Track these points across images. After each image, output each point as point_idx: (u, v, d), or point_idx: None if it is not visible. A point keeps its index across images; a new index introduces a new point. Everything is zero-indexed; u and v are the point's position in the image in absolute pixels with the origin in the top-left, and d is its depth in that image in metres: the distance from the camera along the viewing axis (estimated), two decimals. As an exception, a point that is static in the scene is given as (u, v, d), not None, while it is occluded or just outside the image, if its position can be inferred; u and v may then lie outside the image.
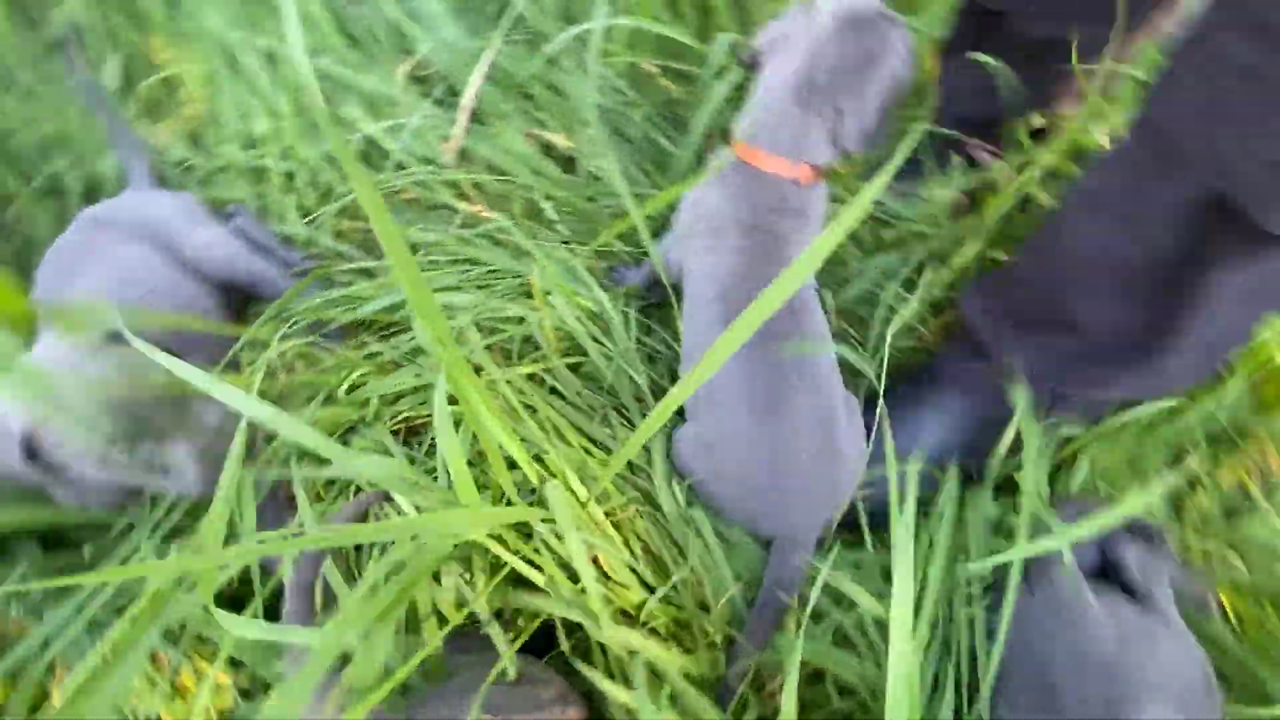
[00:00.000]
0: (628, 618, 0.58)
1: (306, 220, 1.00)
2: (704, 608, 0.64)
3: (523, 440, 0.63)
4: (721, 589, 0.64)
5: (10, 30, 1.04)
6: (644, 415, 0.84)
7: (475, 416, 0.43)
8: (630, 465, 0.75)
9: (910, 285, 0.91)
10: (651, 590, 0.60)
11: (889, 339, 0.79)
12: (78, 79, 0.98)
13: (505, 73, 1.02)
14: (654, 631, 0.59)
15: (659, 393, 0.87)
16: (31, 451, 0.63)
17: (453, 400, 0.50)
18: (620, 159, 1.03)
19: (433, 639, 0.48)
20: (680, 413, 0.78)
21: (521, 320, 0.86)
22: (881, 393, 0.70)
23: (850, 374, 0.85)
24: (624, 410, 0.83)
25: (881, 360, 0.78)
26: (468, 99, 0.93)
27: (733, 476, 0.68)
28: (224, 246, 0.91)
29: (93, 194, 0.99)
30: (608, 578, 0.56)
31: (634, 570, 0.58)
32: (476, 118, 1.01)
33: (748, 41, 0.77)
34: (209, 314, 0.88)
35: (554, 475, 0.52)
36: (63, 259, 0.84)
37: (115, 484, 0.69)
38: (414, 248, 0.96)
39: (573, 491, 0.53)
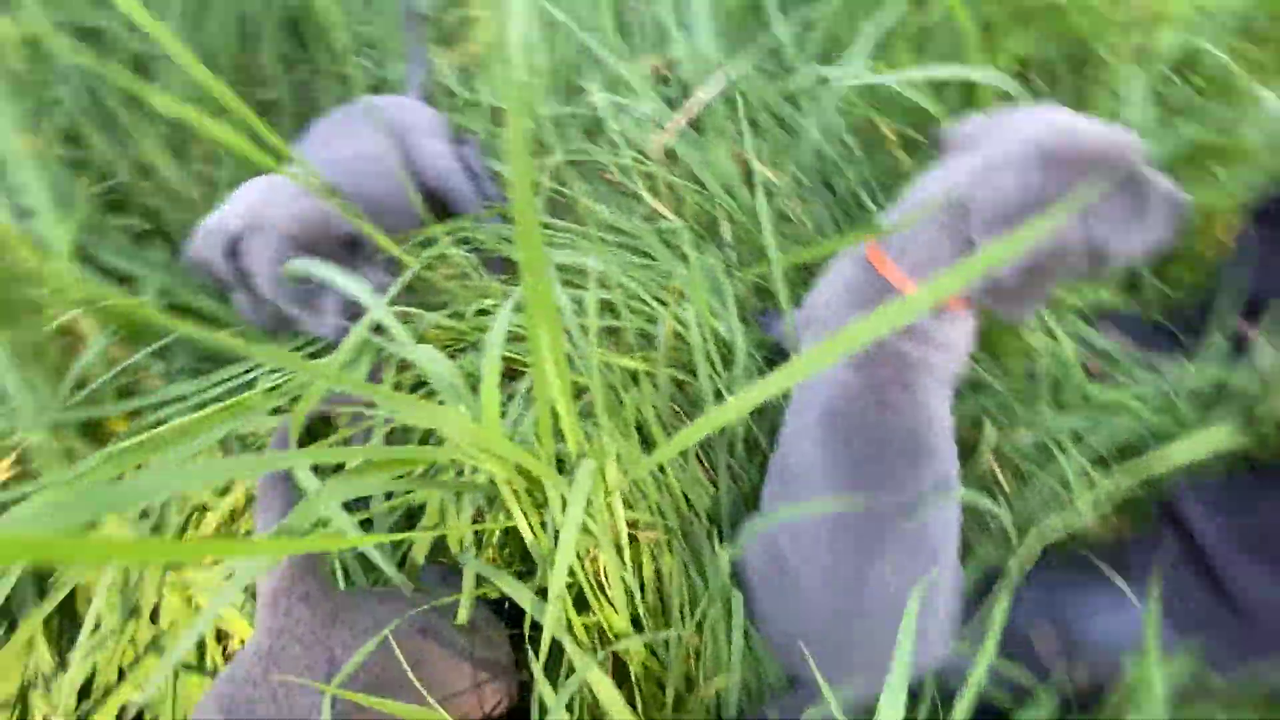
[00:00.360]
0: (605, 640, 0.52)
1: (566, 169, 1.09)
2: (690, 681, 0.56)
3: (585, 418, 0.60)
4: (717, 673, 0.56)
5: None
6: (730, 456, 0.78)
7: (539, 359, 0.42)
8: (689, 502, 0.70)
9: (1100, 463, 0.74)
10: (640, 627, 0.53)
11: (1052, 523, 0.65)
12: (404, 4, 1.17)
13: (741, 93, 1.03)
14: (624, 668, 0.53)
15: (751, 443, 0.81)
16: (232, 251, 0.75)
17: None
18: (816, 208, 0.98)
19: (420, 546, 0.47)
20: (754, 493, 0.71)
21: (651, 320, 0.85)
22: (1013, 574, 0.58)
23: (971, 518, 0.71)
24: (710, 448, 0.78)
25: (1029, 535, 0.65)
26: (692, 103, 0.95)
27: (792, 605, 0.58)
28: (444, 161, 1.03)
29: (375, 89, 1.17)
30: (602, 588, 0.51)
31: (630, 595, 0.52)
32: (696, 125, 1.03)
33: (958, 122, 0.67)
34: (409, 208, 1.00)
35: (595, 458, 0.49)
36: (333, 124, 1.01)
37: (277, 308, 0.79)
38: (591, 218, 1.00)
39: (604, 480, 0.49)
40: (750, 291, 0.94)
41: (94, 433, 0.70)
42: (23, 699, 0.56)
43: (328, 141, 0.98)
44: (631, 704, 0.54)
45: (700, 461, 0.78)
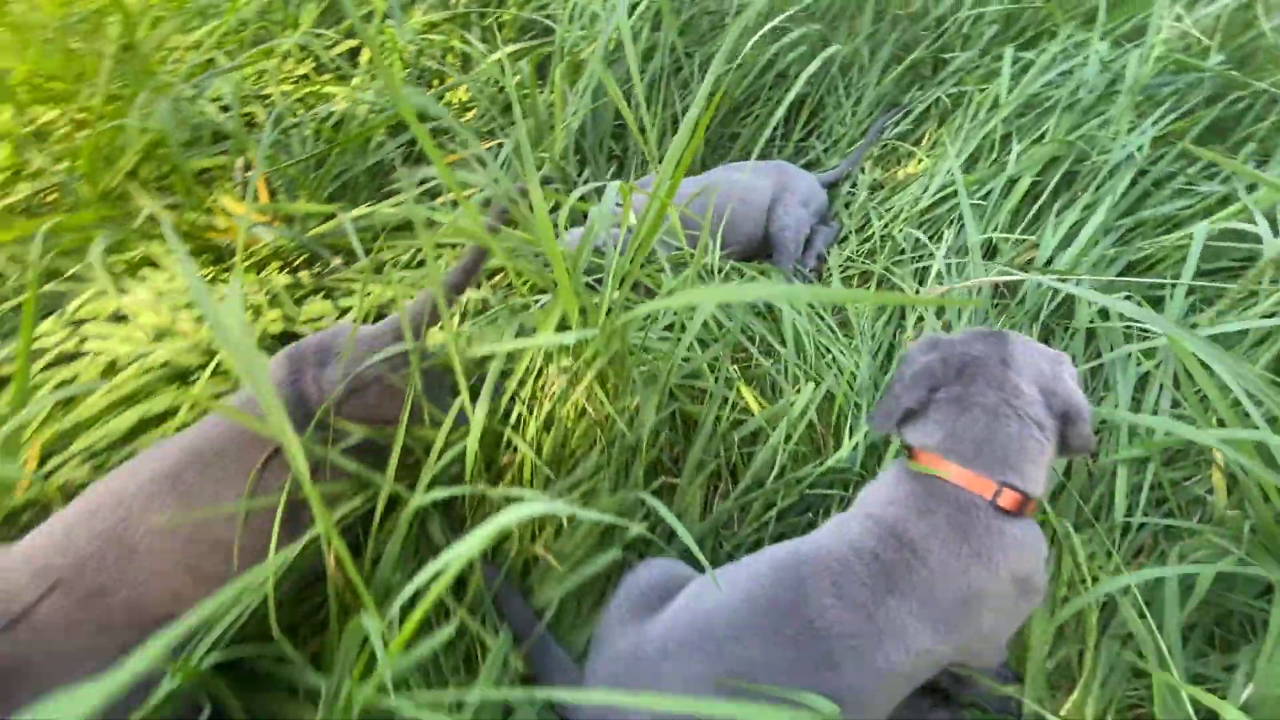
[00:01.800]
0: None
1: (843, 266, 1.25)
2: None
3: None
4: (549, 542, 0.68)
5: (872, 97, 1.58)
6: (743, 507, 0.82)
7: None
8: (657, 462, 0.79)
9: None
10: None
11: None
12: (877, 125, 1.44)
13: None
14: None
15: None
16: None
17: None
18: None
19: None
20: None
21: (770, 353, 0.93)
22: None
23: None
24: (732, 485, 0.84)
25: None
26: (999, 277, 0.95)
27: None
28: (790, 220, 1.27)
29: (809, 166, 1.48)
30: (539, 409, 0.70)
31: (548, 430, 0.68)
32: (1011, 301, 1.00)
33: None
34: (748, 231, 1.28)
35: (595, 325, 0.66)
36: (755, 163, 1.35)
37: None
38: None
39: (592, 347, 0.66)
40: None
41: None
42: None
43: (743, 169, 1.33)
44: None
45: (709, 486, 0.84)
